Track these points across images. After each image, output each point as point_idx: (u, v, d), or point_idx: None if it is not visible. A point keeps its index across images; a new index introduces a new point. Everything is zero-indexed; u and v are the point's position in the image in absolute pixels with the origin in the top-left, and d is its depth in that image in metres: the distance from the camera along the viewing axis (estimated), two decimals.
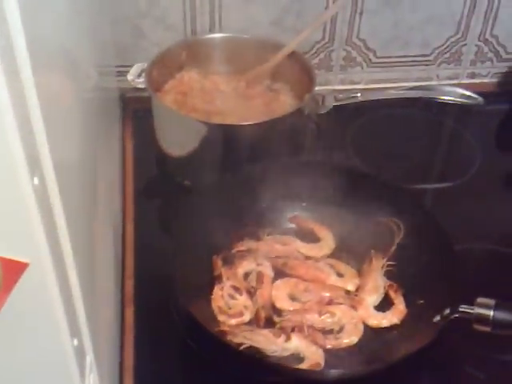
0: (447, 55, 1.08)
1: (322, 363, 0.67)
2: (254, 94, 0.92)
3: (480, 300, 0.66)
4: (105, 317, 0.60)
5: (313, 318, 0.70)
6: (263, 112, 0.88)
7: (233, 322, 0.69)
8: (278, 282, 0.74)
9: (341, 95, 0.98)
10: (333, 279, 0.75)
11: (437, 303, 0.68)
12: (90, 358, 0.47)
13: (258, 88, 0.92)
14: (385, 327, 0.71)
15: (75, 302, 0.42)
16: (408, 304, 0.72)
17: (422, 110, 1.05)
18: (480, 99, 1.03)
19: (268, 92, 0.93)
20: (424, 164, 0.97)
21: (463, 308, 0.66)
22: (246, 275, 0.75)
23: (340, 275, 0.76)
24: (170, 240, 0.80)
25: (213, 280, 0.73)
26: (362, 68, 1.07)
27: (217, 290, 0.71)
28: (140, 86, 0.87)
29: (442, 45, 1.06)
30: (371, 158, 0.94)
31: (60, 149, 0.41)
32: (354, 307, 0.72)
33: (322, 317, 0.71)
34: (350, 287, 0.75)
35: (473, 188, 0.91)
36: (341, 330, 0.71)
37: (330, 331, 0.70)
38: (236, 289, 0.71)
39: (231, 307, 0.70)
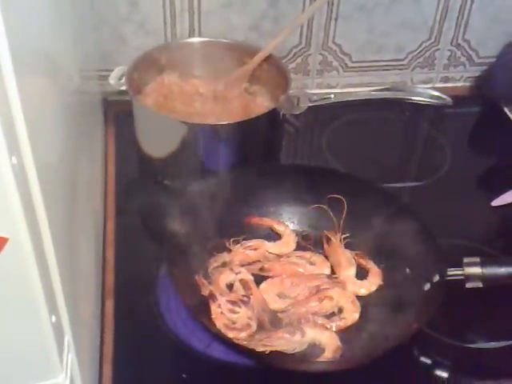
0: (421, 60, 1.11)
1: (341, 346, 0.69)
2: (232, 96, 0.94)
3: (466, 260, 0.69)
4: (85, 306, 0.62)
5: (315, 306, 0.73)
6: (241, 114, 0.90)
7: (243, 335, 0.69)
8: (263, 285, 0.75)
9: (315, 96, 1.01)
10: (309, 269, 0.78)
11: (424, 271, 0.71)
12: (68, 338, 0.49)
13: (236, 91, 0.95)
14: (378, 303, 0.74)
15: (53, 281, 0.44)
16: (396, 275, 0.75)
17: (396, 112, 1.09)
18: (449, 99, 1.07)
19: (246, 94, 0.95)
20: (398, 164, 1.01)
21: (452, 271, 0.68)
22: (230, 287, 0.75)
23: (312, 264, 0.79)
24: (149, 237, 0.85)
25: (203, 299, 0.72)
26: (338, 72, 1.11)
27: (215, 309, 0.71)
28: (121, 88, 0.90)
29: (416, 49, 1.10)
30: (346, 159, 0.97)
31: (41, 146, 0.44)
32: (342, 287, 0.75)
33: (323, 302, 0.73)
34: (327, 271, 0.78)
35: (444, 186, 0.94)
36: (341, 310, 0.73)
37: (332, 314, 0.73)
38: (233, 302, 0.71)
39: (235, 321, 0.70)
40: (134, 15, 0.99)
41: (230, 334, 0.68)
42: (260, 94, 0.95)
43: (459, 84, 1.16)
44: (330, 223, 0.81)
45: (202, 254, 0.76)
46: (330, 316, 0.73)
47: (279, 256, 0.80)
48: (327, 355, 0.68)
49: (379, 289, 0.76)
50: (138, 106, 0.89)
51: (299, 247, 0.81)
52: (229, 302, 0.71)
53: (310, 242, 0.82)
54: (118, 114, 1.03)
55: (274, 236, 0.82)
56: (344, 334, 0.71)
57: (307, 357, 0.68)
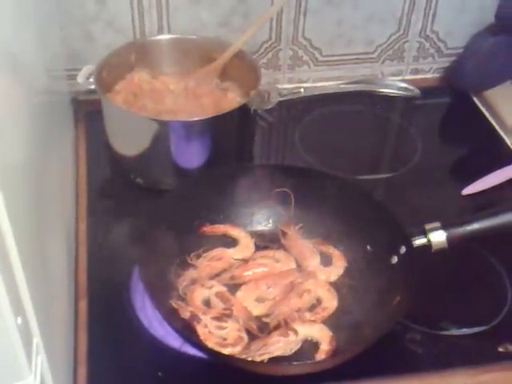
0: (390, 52, 1.12)
1: (333, 335, 0.69)
2: (203, 92, 0.94)
3: (428, 226, 0.70)
4: (57, 306, 0.61)
5: (297, 302, 0.73)
6: (212, 110, 0.90)
7: (239, 348, 0.68)
8: (240, 293, 0.74)
9: (285, 91, 1.01)
10: (277, 266, 0.78)
11: (388, 245, 0.72)
12: (37, 340, 0.49)
13: (207, 87, 0.95)
14: (348, 285, 0.75)
15: (18, 283, 0.44)
16: (359, 253, 0.77)
17: (366, 105, 1.09)
18: (417, 91, 1.08)
19: (217, 91, 0.95)
20: (370, 156, 1.01)
21: (417, 239, 0.70)
22: (207, 303, 0.73)
23: (278, 261, 0.78)
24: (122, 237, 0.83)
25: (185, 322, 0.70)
26: (309, 67, 1.11)
27: (202, 330, 0.69)
28: (90, 87, 0.89)
29: (385, 42, 1.11)
30: (319, 153, 0.97)
31: (3, 147, 0.43)
32: (314, 277, 0.76)
33: (303, 297, 0.73)
34: (293, 265, 0.78)
35: (415, 177, 0.95)
36: (320, 301, 0.74)
37: (313, 307, 0.73)
38: (217, 318, 0.70)
39: (226, 337, 0.69)
40: (102, 13, 0.98)
41: (226, 351, 0.67)
42: (231, 89, 0.95)
43: (429, 75, 1.17)
44: (281, 218, 0.82)
45: (169, 276, 0.75)
46: (312, 308, 0.73)
47: (244, 260, 0.79)
48: (324, 348, 0.68)
49: (346, 271, 0.77)
50: (107, 104, 0.88)
51: (258, 247, 0.81)
52: (213, 318, 0.70)
53: (266, 240, 0.81)
54: (88, 114, 1.02)
55: (230, 242, 0.81)
56: (329, 322, 0.72)
57: (305, 355, 0.68)
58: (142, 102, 0.92)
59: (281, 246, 0.80)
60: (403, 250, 0.71)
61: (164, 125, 0.83)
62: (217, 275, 0.77)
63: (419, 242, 0.70)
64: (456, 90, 1.12)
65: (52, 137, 0.72)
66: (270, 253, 0.80)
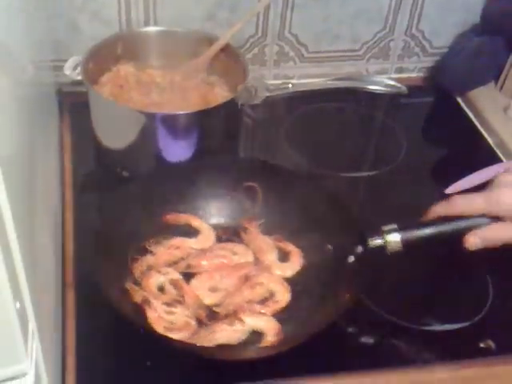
0: (376, 50, 1.13)
1: (280, 327, 0.70)
2: (190, 86, 0.94)
3: (385, 228, 0.71)
4: (46, 297, 0.61)
5: (248, 294, 0.74)
6: (199, 104, 0.90)
7: (186, 334, 0.69)
8: (194, 281, 0.75)
9: (272, 86, 1.01)
10: (234, 259, 0.78)
11: (345, 245, 0.73)
12: (32, 326, 0.49)
13: (194, 81, 0.94)
14: (303, 282, 0.76)
15: (17, 268, 0.44)
16: (318, 253, 0.78)
17: (352, 102, 1.10)
18: (404, 88, 1.09)
19: (203, 85, 0.95)
20: (354, 154, 1.02)
21: (373, 240, 0.71)
22: (161, 289, 0.74)
23: (235, 253, 0.79)
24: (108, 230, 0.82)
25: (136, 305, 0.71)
26: (295, 63, 1.11)
27: (152, 314, 0.70)
28: (76, 78, 0.88)
29: (371, 39, 1.11)
30: (304, 149, 0.98)
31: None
32: (269, 271, 0.77)
33: (255, 289, 0.74)
34: (251, 258, 0.79)
35: (399, 175, 0.96)
36: (273, 294, 0.74)
37: (265, 300, 0.74)
38: (168, 304, 0.71)
39: (174, 322, 0.70)
40: (89, 4, 0.97)
41: (172, 335, 0.68)
42: (218, 84, 0.95)
43: (413, 74, 1.18)
44: (246, 213, 0.82)
45: (125, 260, 0.75)
46: (264, 301, 0.74)
47: (202, 251, 0.79)
48: (269, 339, 0.69)
49: (304, 268, 0.78)
50: (94, 96, 0.88)
51: (220, 239, 0.81)
52: (164, 304, 0.71)
53: (229, 234, 0.82)
54: (74, 105, 1.01)
55: (192, 232, 0.81)
56: (280, 316, 0.72)
57: (250, 345, 0.69)
58: (128, 94, 0.91)
59: (242, 241, 0.81)
60: (359, 249, 0.72)
61: (151, 117, 0.83)
62: (174, 263, 0.77)
63: (375, 242, 0.71)
64: (440, 89, 1.13)
65: (38, 129, 0.72)
66: (228, 245, 0.80)
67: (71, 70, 0.89)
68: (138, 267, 0.76)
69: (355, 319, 0.72)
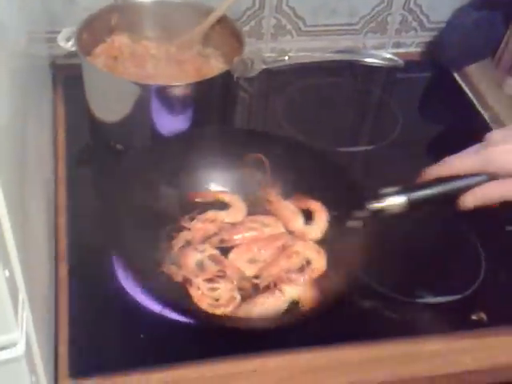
0: (373, 24, 1.12)
1: (318, 296, 0.71)
2: (185, 58, 0.93)
3: (386, 190, 0.70)
4: (38, 268, 0.61)
5: (286, 264, 0.74)
6: (194, 76, 0.89)
7: (230, 308, 0.69)
8: (232, 255, 0.75)
9: (269, 59, 1.00)
10: (266, 231, 0.79)
11: (348, 210, 0.73)
12: (22, 296, 0.49)
13: (189, 53, 0.94)
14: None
15: (5, 235, 0.44)
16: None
17: (348, 77, 1.09)
18: (400, 61, 1.08)
19: (199, 57, 0.94)
20: (350, 128, 1.02)
21: (375, 203, 0.70)
22: (200, 267, 0.74)
23: (266, 225, 0.79)
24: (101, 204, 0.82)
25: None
26: (292, 37, 1.10)
27: (195, 292, 0.70)
28: (70, 49, 0.87)
29: (368, 13, 1.10)
30: (300, 124, 0.97)
31: None
32: (303, 239, 0.77)
33: (292, 259, 0.74)
34: (282, 229, 0.79)
35: (395, 150, 0.95)
36: (309, 262, 0.75)
37: (302, 268, 0.74)
38: (210, 280, 0.71)
39: (218, 298, 0.70)
40: None
41: (218, 311, 0.68)
42: (213, 56, 0.94)
43: (411, 49, 1.17)
44: (260, 184, 0.82)
45: (157, 242, 0.75)
46: (301, 270, 0.74)
47: (233, 225, 0.79)
48: (306, 307, 0.70)
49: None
50: (88, 67, 0.87)
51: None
52: (206, 280, 0.71)
53: (253, 206, 0.82)
54: (68, 79, 1.01)
55: (220, 205, 0.82)
56: (317, 283, 0.73)
57: (290, 314, 0.70)
58: (122, 66, 0.91)
59: (267, 212, 0.81)
60: (363, 214, 0.71)
61: (146, 89, 0.82)
62: (208, 238, 0.77)
63: (377, 205, 0.70)
64: (437, 64, 1.12)
65: (31, 101, 0.71)
66: (259, 218, 0.80)
67: (65, 41, 0.88)
68: (177, 244, 0.75)
69: (348, 291, 0.72)
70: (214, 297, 0.70)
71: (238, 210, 0.82)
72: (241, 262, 0.75)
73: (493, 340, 0.71)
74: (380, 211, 0.70)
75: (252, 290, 0.72)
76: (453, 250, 0.80)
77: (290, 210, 0.80)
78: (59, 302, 0.71)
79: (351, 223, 0.72)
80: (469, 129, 1.02)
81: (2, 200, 0.43)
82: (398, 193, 0.70)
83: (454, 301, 0.74)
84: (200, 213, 0.79)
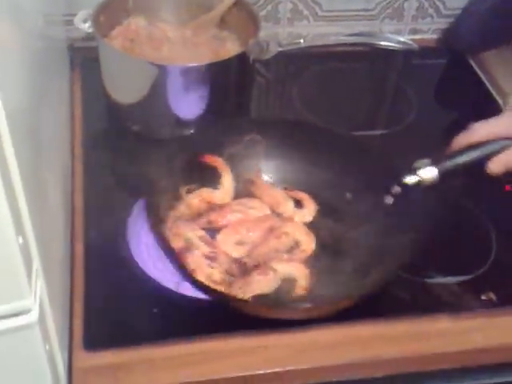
0: (390, 10, 1.12)
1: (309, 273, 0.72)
2: (201, 41, 0.94)
3: (418, 163, 0.71)
4: (53, 244, 0.62)
5: (275, 244, 0.74)
6: (210, 59, 0.90)
7: (222, 288, 0.69)
8: (220, 236, 0.75)
9: (285, 41, 1.01)
10: (252, 213, 0.79)
11: (376, 187, 0.73)
12: (36, 265, 0.50)
13: (205, 36, 0.94)
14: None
15: (19, 202, 0.45)
16: (338, 201, 0.79)
17: (364, 62, 1.10)
18: (415, 46, 1.08)
19: (215, 40, 0.94)
20: (366, 112, 1.02)
21: (408, 177, 0.70)
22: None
23: (252, 208, 0.79)
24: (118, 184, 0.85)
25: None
26: (309, 21, 1.10)
27: (195, 260, 0.71)
28: (87, 31, 0.88)
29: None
30: (316, 108, 0.98)
31: (9, 90, 0.44)
32: (291, 221, 0.77)
33: (281, 239, 0.75)
34: (267, 211, 0.79)
35: (410, 135, 0.96)
36: (298, 243, 0.75)
37: (291, 249, 0.75)
38: (207, 257, 0.71)
39: (211, 275, 0.70)
40: None
41: (218, 287, 0.68)
42: (229, 39, 0.94)
43: (427, 36, 1.17)
44: (252, 167, 0.82)
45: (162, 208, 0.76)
46: (291, 250, 0.75)
47: (220, 207, 0.79)
48: (301, 283, 0.70)
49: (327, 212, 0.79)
50: (105, 49, 0.88)
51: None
52: (204, 256, 0.71)
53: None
54: (85, 61, 1.02)
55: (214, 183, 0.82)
56: (307, 264, 0.73)
57: (283, 292, 0.70)
58: (139, 48, 0.92)
59: (252, 194, 0.81)
60: (396, 188, 0.72)
61: (163, 69, 0.83)
62: (198, 216, 0.77)
63: (411, 179, 0.70)
64: (453, 51, 1.12)
65: (49, 83, 0.72)
66: (243, 200, 0.80)
67: (82, 23, 0.89)
68: (174, 215, 0.76)
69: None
70: (209, 274, 0.70)
71: (226, 192, 0.81)
72: (229, 244, 0.75)
73: (503, 320, 0.71)
74: (416, 184, 0.70)
75: (240, 272, 0.72)
76: (464, 230, 0.81)
77: (280, 194, 0.81)
78: (74, 278, 0.72)
79: (388, 199, 0.72)
80: (483, 116, 1.02)
81: (16, 167, 0.44)
82: (430, 164, 0.70)
83: (463, 281, 0.74)
84: (197, 188, 0.79)
